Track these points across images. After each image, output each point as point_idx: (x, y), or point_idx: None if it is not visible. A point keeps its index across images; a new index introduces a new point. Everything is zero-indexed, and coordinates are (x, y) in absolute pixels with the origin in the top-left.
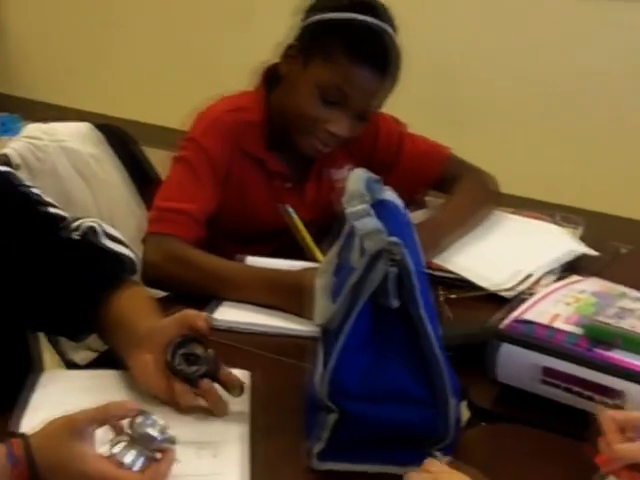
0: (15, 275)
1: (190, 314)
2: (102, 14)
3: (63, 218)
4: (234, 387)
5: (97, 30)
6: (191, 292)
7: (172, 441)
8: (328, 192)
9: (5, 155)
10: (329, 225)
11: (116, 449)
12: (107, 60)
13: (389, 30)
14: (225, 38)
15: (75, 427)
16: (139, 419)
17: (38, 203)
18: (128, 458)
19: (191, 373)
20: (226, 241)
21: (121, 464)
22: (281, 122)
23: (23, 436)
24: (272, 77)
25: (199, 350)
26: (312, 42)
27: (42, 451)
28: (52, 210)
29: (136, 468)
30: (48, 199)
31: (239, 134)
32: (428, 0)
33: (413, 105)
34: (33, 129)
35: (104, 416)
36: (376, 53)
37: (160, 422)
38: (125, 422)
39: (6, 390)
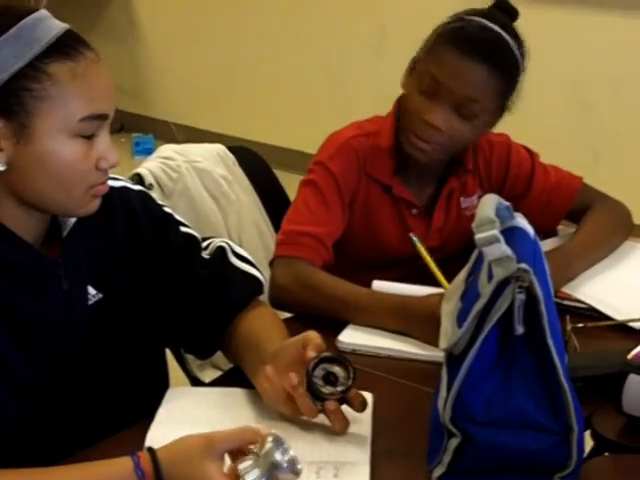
0: (155, 291)
1: (312, 336)
2: (238, 37)
3: (193, 237)
4: (358, 403)
5: (232, 54)
6: (318, 315)
7: (297, 473)
8: (456, 220)
9: (138, 175)
10: (456, 253)
11: (241, 466)
12: (241, 83)
13: (499, 31)
14: (357, 63)
15: (211, 447)
16: (271, 444)
17: (178, 223)
18: (250, 477)
19: (329, 394)
20: (353, 266)
21: None
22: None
23: (150, 450)
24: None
25: (338, 370)
26: (423, 47)
27: (170, 466)
28: (188, 230)
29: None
30: (180, 219)
31: (366, 159)
32: (566, 28)
33: (547, 133)
34: (166, 149)
35: (240, 441)
36: (472, 42)
37: (291, 452)
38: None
39: (142, 405)
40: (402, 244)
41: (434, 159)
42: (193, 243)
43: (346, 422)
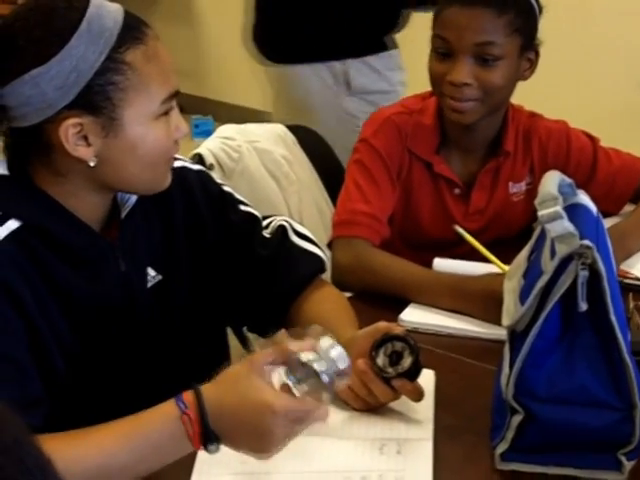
0: (215, 270)
1: (382, 327)
2: None
3: (253, 216)
4: (415, 394)
5: None
6: (379, 294)
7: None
8: (502, 204)
9: (199, 155)
10: (502, 239)
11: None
12: None
13: None
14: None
15: (253, 363)
16: (328, 341)
17: (238, 201)
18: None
19: (394, 372)
20: (398, 244)
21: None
22: (449, 129)
23: (194, 387)
24: None
25: (400, 346)
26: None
27: (215, 392)
28: (248, 209)
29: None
30: (240, 197)
31: (408, 135)
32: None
33: (606, 116)
34: (227, 129)
35: (282, 352)
36: None
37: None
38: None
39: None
40: (441, 226)
41: (477, 117)
42: (254, 222)
43: (420, 391)
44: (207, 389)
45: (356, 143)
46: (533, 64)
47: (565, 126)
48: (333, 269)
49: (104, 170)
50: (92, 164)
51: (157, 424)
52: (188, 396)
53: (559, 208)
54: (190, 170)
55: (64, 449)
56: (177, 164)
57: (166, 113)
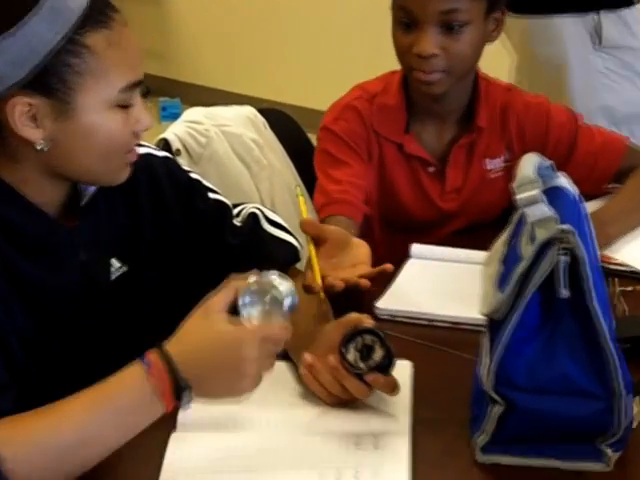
0: (183, 261)
1: (353, 319)
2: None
3: (223, 204)
4: (390, 387)
5: (264, 12)
6: None
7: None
8: (479, 182)
9: (165, 140)
10: (482, 220)
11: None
12: (274, 43)
13: None
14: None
15: (208, 309)
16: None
17: (207, 189)
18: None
19: (365, 367)
20: (381, 228)
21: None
22: (415, 96)
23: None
24: None
25: (371, 340)
26: None
27: (177, 343)
28: (217, 196)
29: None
30: (208, 184)
31: (372, 118)
32: None
33: None
34: (194, 113)
35: (233, 290)
36: None
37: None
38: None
39: None
40: (420, 206)
41: (446, 87)
42: (223, 210)
43: (394, 384)
44: (168, 343)
45: (318, 132)
46: (500, 24)
47: (545, 101)
48: None
49: (56, 156)
50: (39, 147)
51: (125, 387)
52: (150, 354)
53: (537, 192)
54: (156, 157)
55: (36, 426)
56: (142, 151)
57: (127, 104)
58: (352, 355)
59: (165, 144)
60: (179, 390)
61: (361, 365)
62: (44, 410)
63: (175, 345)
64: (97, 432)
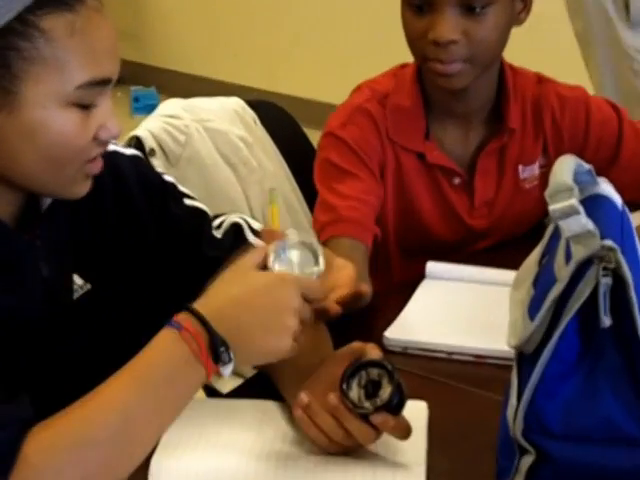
0: (156, 276)
1: (356, 348)
2: None
3: (201, 212)
4: (401, 431)
5: None
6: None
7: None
8: (512, 193)
9: (137, 138)
10: (514, 236)
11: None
12: (261, 24)
13: None
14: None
15: (239, 266)
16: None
17: (182, 194)
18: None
19: (371, 407)
20: (395, 254)
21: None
22: (435, 95)
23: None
24: None
25: (378, 374)
26: None
27: (207, 300)
28: (194, 203)
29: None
30: (184, 190)
31: (387, 125)
32: None
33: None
34: (172, 105)
35: (262, 251)
36: None
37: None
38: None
39: None
40: (445, 225)
41: (469, 80)
42: (200, 217)
43: (406, 427)
44: (197, 302)
45: (320, 139)
46: (528, 3)
47: (584, 93)
48: None
49: None
50: None
51: (159, 357)
52: (179, 316)
53: (575, 201)
54: (122, 156)
55: (83, 419)
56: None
57: (87, 103)
58: (355, 392)
59: (137, 143)
60: (216, 349)
61: (366, 404)
62: (84, 404)
63: (205, 303)
64: (143, 413)
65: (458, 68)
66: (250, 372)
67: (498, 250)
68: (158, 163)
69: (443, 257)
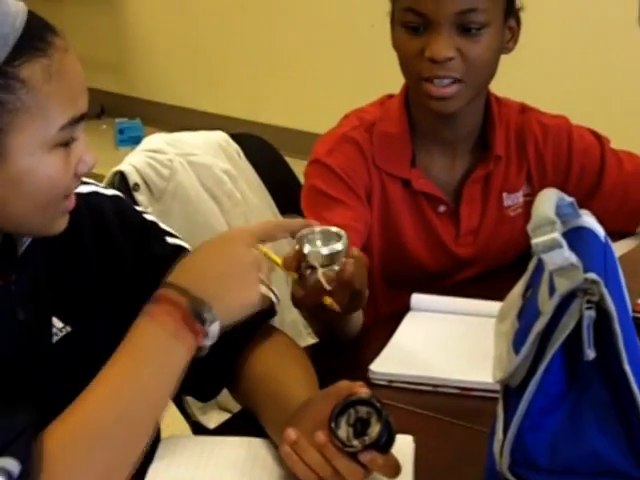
0: (135, 314)
1: (344, 387)
2: (237, 4)
3: (183, 249)
4: (389, 468)
5: (232, 20)
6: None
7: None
8: (497, 221)
9: (121, 173)
10: (499, 265)
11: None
12: (244, 55)
13: None
14: (384, 28)
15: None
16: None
17: (164, 232)
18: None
19: (360, 446)
20: (378, 283)
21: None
22: (421, 121)
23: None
24: None
25: (366, 412)
26: None
27: (180, 271)
28: (176, 241)
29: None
30: (166, 228)
31: (374, 152)
32: None
33: (616, 111)
34: (155, 140)
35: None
36: None
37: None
38: None
39: None
40: (431, 253)
41: (462, 103)
42: (184, 256)
43: (395, 464)
44: (170, 275)
45: (306, 167)
46: (515, 34)
47: (566, 122)
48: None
49: None
50: None
51: (142, 332)
52: (156, 291)
53: (557, 235)
54: (103, 196)
55: (93, 409)
56: (86, 189)
57: (68, 141)
58: (344, 431)
59: (121, 178)
60: (195, 304)
61: (355, 442)
62: (85, 400)
63: (176, 273)
64: (140, 393)
65: (454, 90)
66: (236, 406)
67: (483, 281)
68: (142, 198)
69: (428, 286)
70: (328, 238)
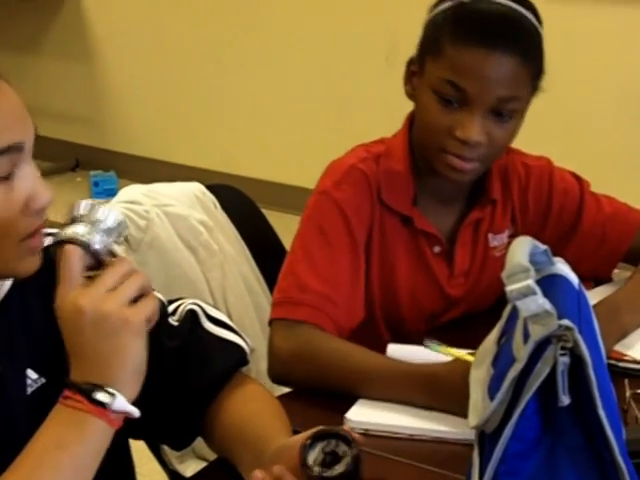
0: None
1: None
2: (217, 51)
3: (161, 302)
4: None
5: (209, 70)
6: (323, 389)
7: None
8: (482, 262)
9: None
10: (483, 305)
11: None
12: (221, 106)
13: (511, 4)
14: (362, 80)
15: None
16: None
17: None
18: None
19: (332, 477)
20: (376, 323)
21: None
22: (424, 166)
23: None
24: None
25: (338, 445)
26: (423, 44)
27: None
28: None
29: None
30: None
31: (380, 185)
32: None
33: (596, 153)
34: (131, 191)
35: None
36: (486, 28)
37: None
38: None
39: None
40: (426, 292)
41: (476, 175)
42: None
43: None
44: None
45: (312, 196)
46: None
47: (547, 163)
48: (271, 358)
49: None
50: None
51: (50, 423)
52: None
53: (531, 282)
54: None
55: None
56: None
57: (4, 175)
58: (314, 455)
59: None
60: (86, 392)
61: (315, 469)
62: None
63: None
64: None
65: (473, 166)
66: (213, 455)
67: (461, 326)
68: (119, 248)
69: (417, 326)
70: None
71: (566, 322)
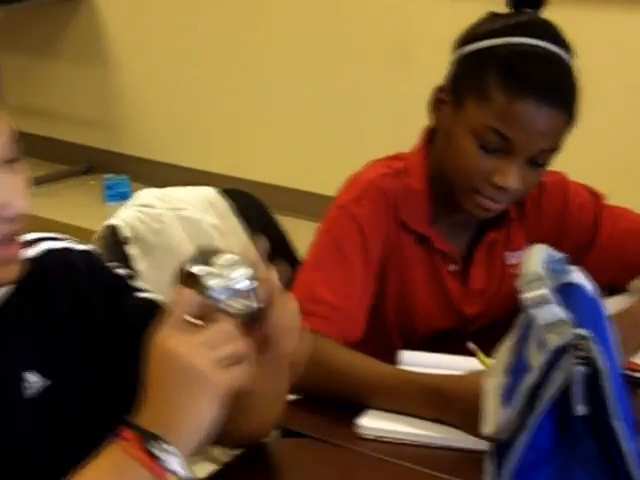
0: (113, 369)
1: None
2: (231, 56)
3: (153, 302)
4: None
5: (224, 75)
6: (334, 400)
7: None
8: (500, 280)
9: (112, 227)
10: (501, 321)
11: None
12: (235, 111)
13: (557, 51)
14: (375, 85)
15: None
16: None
17: (134, 288)
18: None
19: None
20: (381, 340)
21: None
22: (444, 187)
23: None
24: (433, 135)
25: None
26: (463, 79)
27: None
28: (147, 295)
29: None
30: (137, 284)
31: (398, 203)
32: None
33: (607, 167)
34: (145, 195)
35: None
36: (540, 82)
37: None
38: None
39: None
40: (440, 311)
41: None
42: (155, 309)
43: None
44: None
45: (331, 209)
46: None
47: (562, 178)
48: None
49: None
50: None
51: (101, 461)
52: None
53: (546, 290)
54: (74, 251)
55: None
56: (58, 245)
57: None
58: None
59: (112, 232)
60: (145, 437)
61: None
62: None
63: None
64: None
65: (500, 207)
66: (226, 456)
67: (478, 337)
68: (133, 252)
69: (432, 344)
70: None
71: (582, 331)
